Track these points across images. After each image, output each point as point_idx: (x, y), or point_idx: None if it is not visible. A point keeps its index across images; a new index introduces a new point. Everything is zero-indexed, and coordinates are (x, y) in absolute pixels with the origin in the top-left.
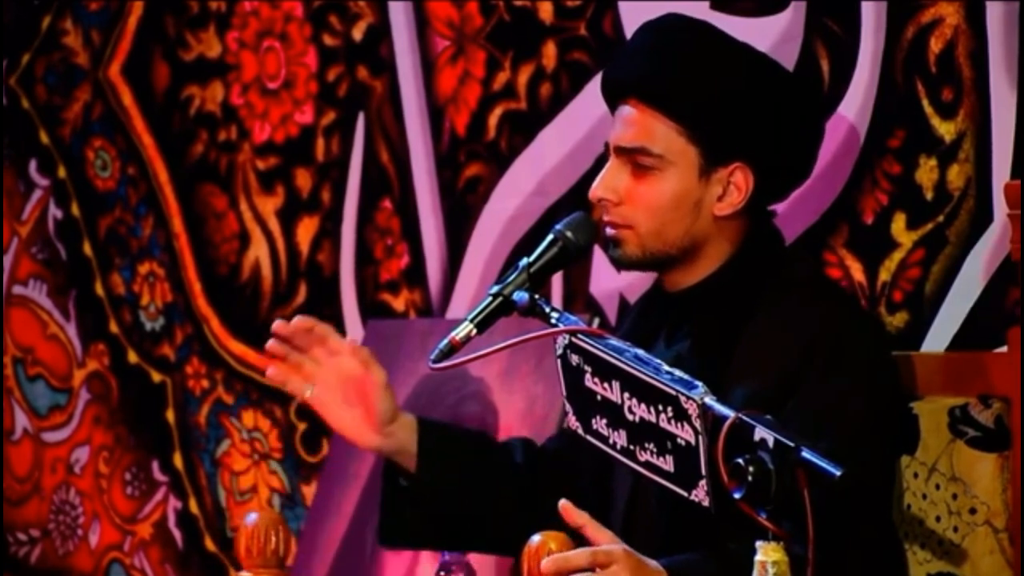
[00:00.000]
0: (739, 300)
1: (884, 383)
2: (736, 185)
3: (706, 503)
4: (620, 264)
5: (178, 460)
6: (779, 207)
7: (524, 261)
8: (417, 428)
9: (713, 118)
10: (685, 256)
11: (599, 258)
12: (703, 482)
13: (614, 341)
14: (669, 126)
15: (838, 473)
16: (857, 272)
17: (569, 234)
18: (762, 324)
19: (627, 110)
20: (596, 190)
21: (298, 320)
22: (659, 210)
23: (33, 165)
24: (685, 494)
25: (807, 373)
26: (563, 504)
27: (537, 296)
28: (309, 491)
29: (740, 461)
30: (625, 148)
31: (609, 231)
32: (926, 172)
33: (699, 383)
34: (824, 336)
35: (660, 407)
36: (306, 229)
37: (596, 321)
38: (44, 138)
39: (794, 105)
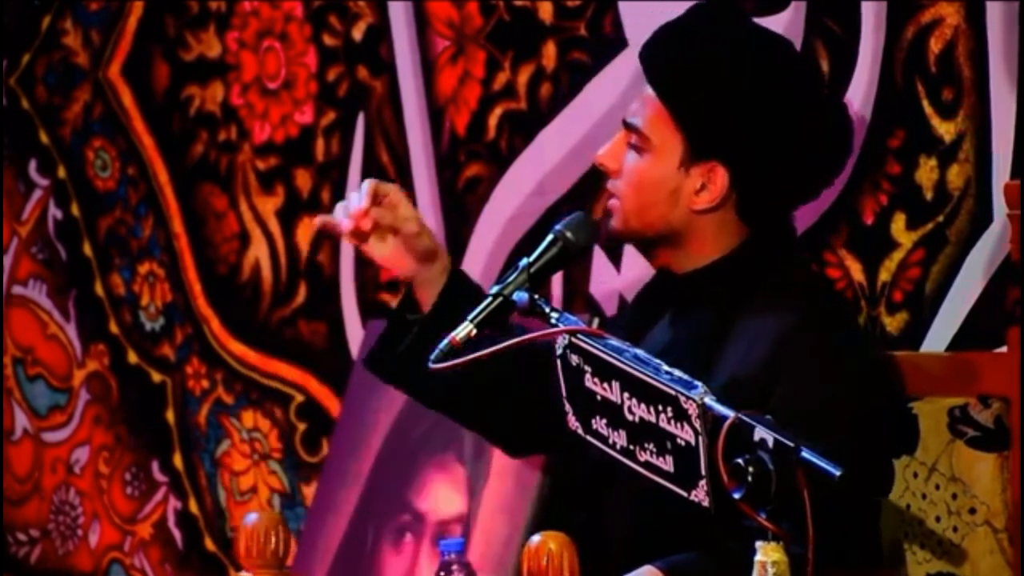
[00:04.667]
0: (733, 293)
1: (865, 375)
2: (712, 183)
3: (706, 503)
4: (609, 237)
5: (178, 460)
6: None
7: (524, 261)
8: (448, 274)
9: (697, 111)
10: (666, 241)
11: (599, 258)
12: (703, 482)
13: (614, 341)
14: (663, 111)
15: (838, 473)
16: (857, 272)
17: (569, 234)
18: (750, 320)
19: (647, 87)
20: (598, 155)
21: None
22: (639, 189)
23: (33, 165)
24: (685, 494)
25: (782, 372)
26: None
27: (537, 296)
28: (309, 491)
29: (740, 461)
30: (625, 122)
31: (609, 202)
32: (926, 172)
33: (699, 383)
34: (800, 334)
35: (660, 407)
36: (306, 229)
37: (596, 321)
38: (44, 138)
39: (793, 125)
